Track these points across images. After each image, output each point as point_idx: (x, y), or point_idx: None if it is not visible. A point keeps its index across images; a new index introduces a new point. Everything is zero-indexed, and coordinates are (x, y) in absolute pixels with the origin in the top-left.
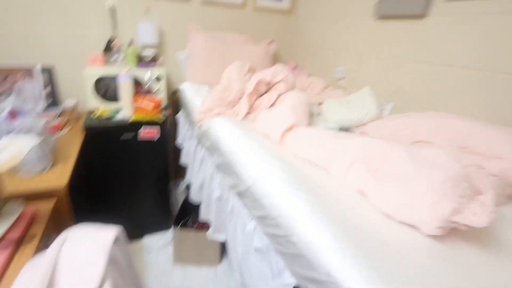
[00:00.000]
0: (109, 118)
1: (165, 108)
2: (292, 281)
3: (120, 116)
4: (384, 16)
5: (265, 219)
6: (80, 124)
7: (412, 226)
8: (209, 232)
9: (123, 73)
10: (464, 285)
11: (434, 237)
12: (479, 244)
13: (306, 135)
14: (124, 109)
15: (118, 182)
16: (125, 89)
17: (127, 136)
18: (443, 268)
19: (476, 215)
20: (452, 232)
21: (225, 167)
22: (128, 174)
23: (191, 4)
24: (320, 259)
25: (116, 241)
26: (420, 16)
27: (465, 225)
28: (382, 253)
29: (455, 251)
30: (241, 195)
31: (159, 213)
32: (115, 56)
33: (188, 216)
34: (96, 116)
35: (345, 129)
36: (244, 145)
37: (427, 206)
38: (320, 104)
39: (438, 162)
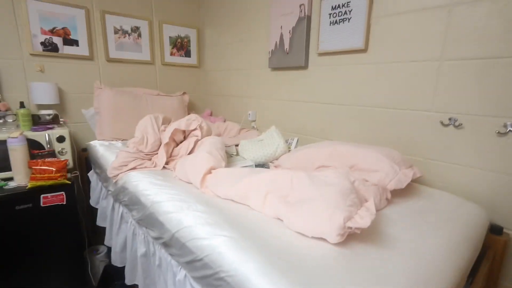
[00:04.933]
0: None
1: (73, 168)
2: None
3: (13, 185)
4: (275, 68)
5: (193, 263)
6: None
7: (321, 239)
8: None
9: (14, 137)
10: (361, 273)
11: (339, 243)
12: (370, 241)
13: (225, 176)
14: (17, 176)
15: (18, 259)
16: (16, 154)
17: (24, 205)
18: (345, 265)
19: (363, 218)
20: (352, 237)
21: (148, 220)
22: (30, 248)
23: (95, 61)
24: (247, 287)
25: None
26: (303, 67)
27: (357, 228)
28: (299, 266)
29: (354, 251)
30: (167, 244)
31: None
32: (1, 120)
33: (111, 286)
34: None
35: (261, 165)
36: (165, 194)
37: (327, 219)
38: (237, 145)
39: (331, 181)
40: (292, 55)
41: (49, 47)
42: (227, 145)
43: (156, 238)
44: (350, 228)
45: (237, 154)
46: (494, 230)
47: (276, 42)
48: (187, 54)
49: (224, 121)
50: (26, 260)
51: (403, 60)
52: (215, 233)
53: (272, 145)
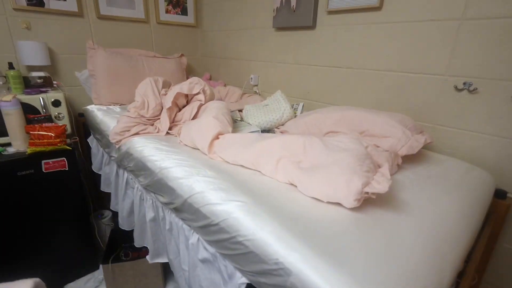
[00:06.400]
0: None
1: (72, 134)
2: (244, 280)
3: (12, 150)
4: (280, 28)
5: (207, 227)
6: None
7: (337, 204)
8: (148, 258)
9: (7, 100)
10: (378, 237)
11: (355, 208)
12: (384, 206)
13: (233, 141)
14: (15, 142)
15: (24, 226)
16: (11, 119)
17: (26, 171)
18: (362, 229)
19: (380, 183)
20: (367, 202)
21: (156, 186)
22: (35, 214)
23: (86, 19)
24: (267, 250)
25: None
26: (311, 27)
27: (374, 193)
28: (317, 231)
29: (369, 215)
30: (178, 210)
31: (83, 252)
32: None
33: (119, 248)
34: None
35: (267, 131)
36: (173, 160)
37: (343, 184)
38: (240, 110)
39: (345, 146)
40: (299, 13)
41: (34, 1)
42: (230, 110)
43: (166, 204)
44: (367, 193)
45: (242, 120)
46: (499, 194)
47: None
48: (184, 11)
49: (225, 86)
50: (33, 225)
51: (421, 19)
52: (228, 198)
53: (278, 110)
